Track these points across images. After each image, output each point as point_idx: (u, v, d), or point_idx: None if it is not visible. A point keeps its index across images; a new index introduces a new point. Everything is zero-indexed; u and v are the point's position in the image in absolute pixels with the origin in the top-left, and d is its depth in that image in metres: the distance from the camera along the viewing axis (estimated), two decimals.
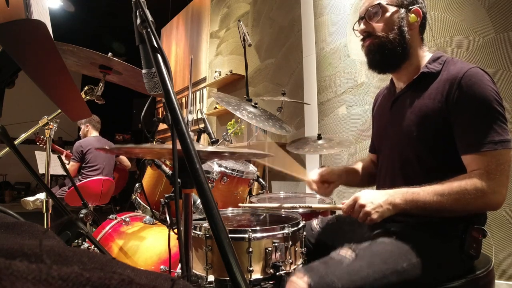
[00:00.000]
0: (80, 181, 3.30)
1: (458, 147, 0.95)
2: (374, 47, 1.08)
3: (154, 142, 1.61)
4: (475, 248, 0.95)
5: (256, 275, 0.93)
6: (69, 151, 3.60)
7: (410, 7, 1.06)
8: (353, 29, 1.17)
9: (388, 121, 1.16)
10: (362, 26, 1.10)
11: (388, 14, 1.06)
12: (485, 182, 0.88)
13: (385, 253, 0.88)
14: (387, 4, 1.06)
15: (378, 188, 1.20)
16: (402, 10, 1.05)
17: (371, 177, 1.32)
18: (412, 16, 1.05)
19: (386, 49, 1.06)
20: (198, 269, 0.98)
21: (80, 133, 3.67)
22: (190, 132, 0.64)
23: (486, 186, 0.87)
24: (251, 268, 0.92)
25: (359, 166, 1.36)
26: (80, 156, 3.39)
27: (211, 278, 0.96)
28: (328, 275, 0.80)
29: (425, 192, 0.91)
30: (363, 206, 0.92)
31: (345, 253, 0.88)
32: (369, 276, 0.81)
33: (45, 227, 1.54)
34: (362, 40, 1.12)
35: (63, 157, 3.54)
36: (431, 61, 1.06)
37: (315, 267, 0.84)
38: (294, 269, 0.99)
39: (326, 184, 1.24)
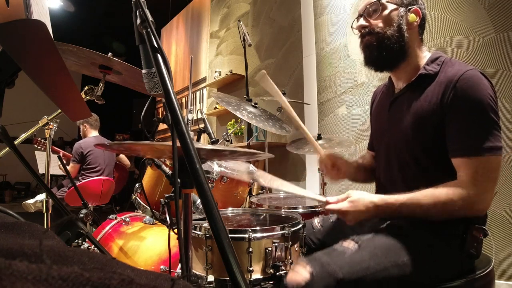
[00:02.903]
0: (80, 181, 3.29)
1: (449, 150, 0.95)
2: (371, 43, 1.08)
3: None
4: (475, 248, 0.95)
5: (256, 275, 0.93)
6: (64, 151, 3.57)
7: (410, 7, 1.06)
8: (352, 27, 1.17)
9: (386, 122, 1.16)
10: (361, 22, 1.10)
11: (387, 12, 1.06)
12: (472, 191, 0.88)
13: (387, 246, 0.89)
14: (386, 2, 1.06)
15: (377, 189, 1.21)
16: (402, 9, 1.05)
17: (373, 172, 1.33)
18: (412, 15, 1.05)
19: (383, 45, 1.05)
20: (198, 269, 0.98)
21: (81, 133, 3.66)
22: (190, 132, 0.64)
23: (473, 195, 0.88)
24: (251, 268, 0.92)
25: (360, 161, 1.37)
26: (80, 157, 3.36)
27: (211, 278, 0.96)
28: (330, 264, 0.82)
29: (413, 204, 0.93)
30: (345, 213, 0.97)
31: (348, 244, 0.90)
32: (370, 267, 0.83)
33: (45, 227, 1.54)
34: (360, 37, 1.11)
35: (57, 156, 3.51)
36: (430, 62, 1.05)
37: (317, 257, 0.86)
38: None
39: (336, 168, 1.25)
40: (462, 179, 0.91)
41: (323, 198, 1.02)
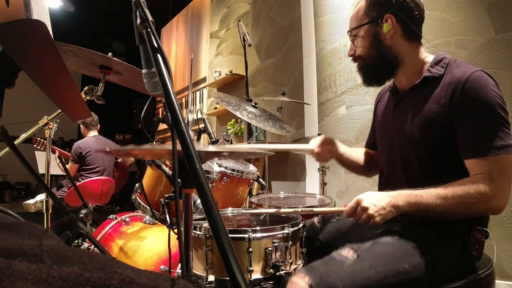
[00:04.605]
0: (80, 181, 3.29)
1: (461, 151, 0.95)
2: (361, 67, 1.14)
3: (154, 142, 1.62)
4: (477, 250, 0.95)
5: (256, 275, 0.93)
6: (61, 150, 3.56)
7: (381, 17, 1.04)
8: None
9: (390, 124, 1.16)
10: (348, 49, 1.16)
11: (361, 34, 1.09)
12: (488, 186, 0.88)
13: (386, 255, 0.88)
14: (357, 27, 1.09)
15: (380, 190, 1.20)
16: (372, 26, 1.06)
17: (364, 165, 1.36)
18: (385, 25, 1.04)
19: (370, 67, 1.11)
20: (198, 269, 0.98)
21: (81, 131, 3.66)
22: (190, 132, 0.64)
23: (489, 190, 0.88)
24: (251, 268, 0.92)
25: (354, 150, 1.38)
26: (79, 158, 3.36)
27: (211, 278, 0.96)
28: (330, 275, 0.80)
29: (428, 195, 0.92)
30: (365, 208, 0.93)
31: (347, 253, 0.88)
32: (370, 277, 0.82)
33: (45, 227, 1.54)
34: (353, 61, 1.17)
35: (56, 155, 3.51)
36: (434, 64, 1.04)
37: (316, 267, 0.84)
38: (294, 269, 0.99)
39: (327, 147, 1.28)
40: (477, 176, 0.91)
41: (342, 208, 1.01)
